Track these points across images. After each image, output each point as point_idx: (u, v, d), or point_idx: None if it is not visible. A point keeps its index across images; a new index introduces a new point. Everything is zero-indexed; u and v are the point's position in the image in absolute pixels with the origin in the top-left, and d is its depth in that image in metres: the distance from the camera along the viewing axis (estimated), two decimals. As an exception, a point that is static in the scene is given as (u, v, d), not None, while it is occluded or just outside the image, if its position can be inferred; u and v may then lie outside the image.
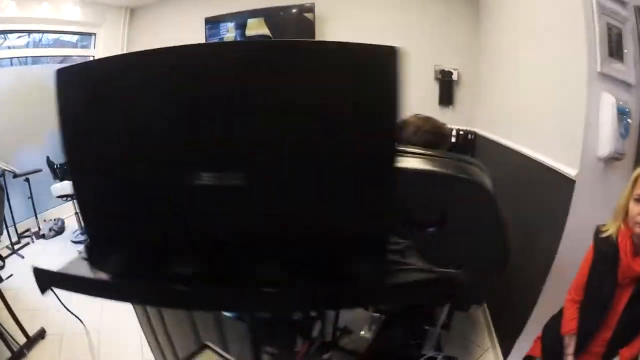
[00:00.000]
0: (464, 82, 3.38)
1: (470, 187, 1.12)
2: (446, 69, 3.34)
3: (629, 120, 1.52)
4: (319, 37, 3.54)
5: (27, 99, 3.82)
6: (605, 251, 1.31)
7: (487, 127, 3.08)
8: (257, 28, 3.69)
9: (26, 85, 3.87)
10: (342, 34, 3.52)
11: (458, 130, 3.34)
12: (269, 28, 3.68)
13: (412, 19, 3.43)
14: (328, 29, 3.59)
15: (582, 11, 1.51)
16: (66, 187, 3.28)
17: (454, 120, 3.36)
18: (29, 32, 4.04)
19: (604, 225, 1.34)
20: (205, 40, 3.93)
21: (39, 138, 3.91)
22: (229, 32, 3.85)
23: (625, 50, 1.53)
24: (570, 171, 1.59)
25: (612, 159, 1.57)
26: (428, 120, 1.49)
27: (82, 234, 3.52)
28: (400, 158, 1.09)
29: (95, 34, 4.46)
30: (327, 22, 3.60)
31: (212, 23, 3.89)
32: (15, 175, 3.49)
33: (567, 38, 1.66)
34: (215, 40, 3.86)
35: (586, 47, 1.51)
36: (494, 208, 1.15)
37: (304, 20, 3.58)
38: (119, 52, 4.40)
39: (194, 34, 4.02)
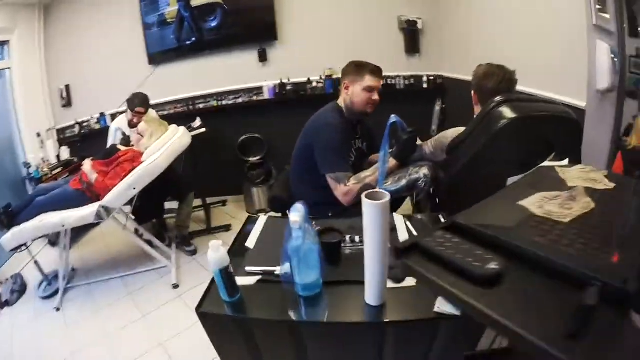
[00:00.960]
0: (428, 30, 3.69)
1: (575, 124, 1.53)
2: (411, 19, 3.60)
3: (616, 60, 2.07)
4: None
5: None
6: (632, 157, 1.88)
7: (457, 71, 3.56)
8: None
9: None
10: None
11: (428, 77, 3.74)
12: None
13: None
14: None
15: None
16: (19, 234, 2.65)
17: (421, 68, 3.75)
18: None
19: (626, 140, 1.92)
20: (142, 20, 3.62)
21: None
22: (170, 6, 3.55)
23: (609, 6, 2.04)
24: (580, 103, 2.12)
25: (607, 91, 2.13)
26: (501, 67, 1.72)
27: (47, 283, 3.07)
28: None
29: (8, 42, 3.77)
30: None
31: None
32: None
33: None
34: (155, 17, 3.58)
35: (585, 5, 2.00)
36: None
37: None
38: (36, 60, 3.98)
39: (128, 16, 3.68)
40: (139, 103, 3.14)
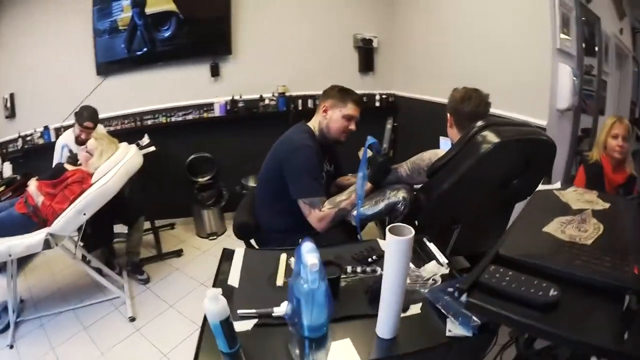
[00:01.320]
0: (382, 49, 3.76)
1: (551, 146, 1.59)
2: (367, 37, 3.66)
3: (576, 81, 2.20)
4: (235, 7, 3.43)
5: None
6: (594, 170, 2.02)
7: (409, 89, 3.67)
8: (160, 4, 3.27)
9: None
10: (260, 5, 3.50)
11: (381, 95, 3.80)
12: (175, 2, 3.29)
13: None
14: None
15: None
16: None
17: (374, 86, 3.81)
18: None
19: (587, 154, 2.06)
20: (93, 26, 3.34)
21: None
22: (124, 12, 3.30)
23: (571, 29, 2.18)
24: (541, 122, 2.22)
25: (566, 110, 2.26)
26: (477, 91, 1.76)
27: None
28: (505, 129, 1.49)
29: None
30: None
31: (102, 3, 3.27)
32: None
33: (531, 20, 2.21)
34: (107, 24, 3.34)
35: (550, 29, 2.10)
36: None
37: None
38: None
39: (79, 20, 3.37)
40: (87, 117, 2.89)
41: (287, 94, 3.62)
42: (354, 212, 1.67)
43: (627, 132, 2.00)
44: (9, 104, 3.74)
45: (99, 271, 2.76)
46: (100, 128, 3.13)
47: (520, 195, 1.73)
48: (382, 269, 1.24)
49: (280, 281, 1.23)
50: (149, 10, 3.30)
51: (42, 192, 2.49)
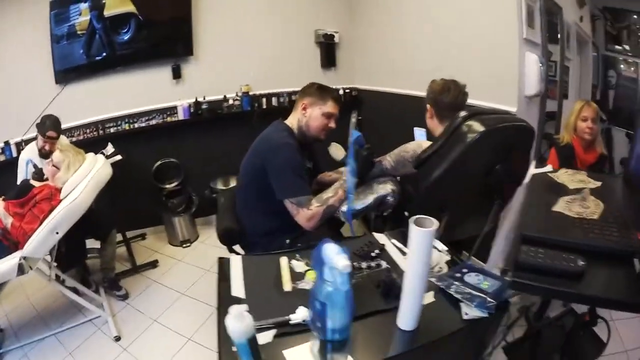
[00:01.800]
0: (343, 44, 3.79)
1: (531, 132, 1.69)
2: (328, 32, 3.66)
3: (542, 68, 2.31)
4: (196, 8, 3.36)
5: None
6: (566, 152, 2.15)
7: (372, 83, 3.75)
8: (118, 6, 3.12)
9: None
10: (221, 5, 3.44)
11: (344, 89, 3.83)
12: (134, 3, 3.15)
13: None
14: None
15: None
16: None
17: (337, 81, 3.82)
18: None
19: (558, 137, 2.18)
20: (51, 32, 3.13)
21: None
22: (82, 15, 3.12)
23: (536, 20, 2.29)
24: (511, 109, 2.33)
25: (534, 96, 2.37)
26: (455, 82, 1.81)
27: None
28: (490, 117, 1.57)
29: None
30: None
31: (59, 7, 3.07)
32: None
33: (498, 12, 2.31)
34: (65, 29, 3.15)
35: (517, 20, 2.20)
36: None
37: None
38: None
39: (35, 26, 3.16)
40: (50, 126, 2.73)
41: (251, 93, 3.58)
42: (343, 208, 1.69)
43: (595, 115, 2.15)
44: None
45: (75, 291, 2.64)
46: (64, 139, 2.99)
47: (503, 181, 1.80)
48: (386, 263, 1.30)
49: (287, 286, 1.22)
50: (107, 12, 3.15)
51: (9, 212, 2.35)
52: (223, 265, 1.37)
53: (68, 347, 2.50)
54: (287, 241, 1.72)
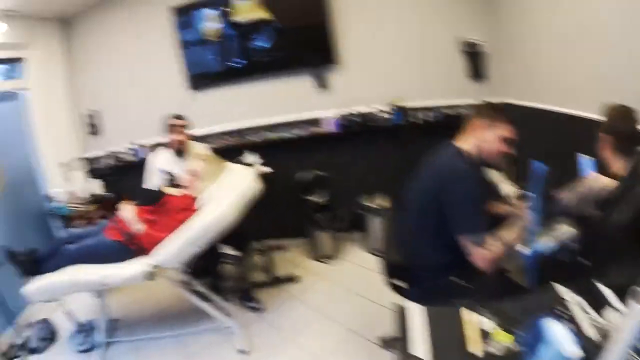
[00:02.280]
0: (491, 52, 3.37)
1: None
2: (473, 41, 3.30)
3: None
4: (336, 14, 3.27)
5: None
6: None
7: (524, 97, 3.27)
8: (251, 13, 3.16)
9: None
10: (363, 11, 3.31)
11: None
12: (271, 10, 3.15)
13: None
14: (341, 3, 3.28)
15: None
16: (48, 289, 2.33)
17: (485, 94, 3.38)
18: None
19: None
20: (178, 38, 3.33)
21: None
22: (211, 22, 3.24)
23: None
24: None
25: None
26: (632, 109, 1.56)
27: (84, 335, 2.79)
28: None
29: (22, 59, 3.49)
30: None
31: (184, 14, 3.23)
32: None
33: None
34: (195, 34, 3.30)
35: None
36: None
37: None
38: (57, 81, 3.75)
39: (163, 32, 3.39)
40: (172, 116, 2.79)
41: (401, 105, 3.35)
42: (521, 250, 1.51)
43: None
44: (92, 121, 3.90)
45: (203, 297, 2.68)
46: (203, 148, 3.04)
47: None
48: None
49: (476, 348, 1.07)
50: (239, 19, 3.23)
51: (140, 218, 2.43)
52: (401, 315, 1.26)
53: (185, 351, 2.54)
54: (456, 279, 1.62)
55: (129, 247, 2.36)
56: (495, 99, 3.34)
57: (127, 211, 2.48)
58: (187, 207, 2.42)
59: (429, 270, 1.72)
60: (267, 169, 3.00)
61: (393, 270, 1.80)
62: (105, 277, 2.26)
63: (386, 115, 3.34)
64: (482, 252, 1.53)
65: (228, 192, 2.38)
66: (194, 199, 2.47)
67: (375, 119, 3.36)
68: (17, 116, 3.55)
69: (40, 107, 3.61)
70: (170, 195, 2.50)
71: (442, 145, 1.77)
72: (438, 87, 3.33)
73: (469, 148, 1.70)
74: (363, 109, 3.39)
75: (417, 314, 1.25)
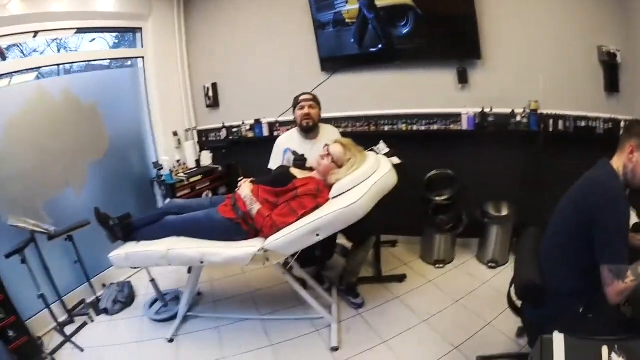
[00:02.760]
0: (628, 64, 2.97)
1: None
2: (612, 50, 2.92)
3: None
4: (481, 5, 2.98)
5: (57, 125, 2.90)
6: None
7: None
8: None
9: (53, 105, 2.88)
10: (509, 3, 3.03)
11: (625, 121, 3.03)
12: None
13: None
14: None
15: None
16: (139, 259, 2.28)
17: (618, 110, 3.09)
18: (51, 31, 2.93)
19: None
20: (313, 18, 3.20)
21: (78, 178, 3.05)
22: (349, 4, 3.10)
23: None
24: None
25: None
26: None
27: (163, 304, 2.74)
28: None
29: (141, 29, 3.56)
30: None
31: None
32: (52, 236, 2.52)
33: None
34: (331, 15, 3.18)
35: None
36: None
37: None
38: (175, 52, 3.81)
39: (296, 9, 3.30)
40: (301, 94, 2.68)
41: (539, 111, 3.08)
42: None
43: None
44: (210, 93, 3.89)
45: (303, 283, 2.54)
46: (333, 130, 2.90)
47: None
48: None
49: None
50: (379, 2, 3.04)
51: (258, 198, 2.28)
52: (544, 347, 1.23)
53: (272, 338, 2.43)
54: (581, 309, 1.55)
55: (241, 227, 2.22)
56: (626, 116, 3.02)
57: (246, 189, 2.35)
58: (317, 194, 2.23)
59: (558, 294, 1.63)
60: (397, 160, 2.74)
61: (532, 295, 1.69)
62: (205, 256, 2.15)
63: (522, 119, 3.07)
64: (618, 286, 1.44)
65: (367, 183, 2.16)
66: (327, 186, 2.28)
67: (511, 121, 3.10)
68: (133, 84, 3.61)
69: (156, 76, 3.65)
70: (301, 179, 2.33)
71: (598, 164, 1.66)
72: (573, 96, 3.03)
73: (619, 167, 1.61)
74: (500, 109, 3.14)
75: (555, 346, 1.21)
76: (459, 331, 2.38)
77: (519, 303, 1.87)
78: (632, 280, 1.43)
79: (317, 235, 2.06)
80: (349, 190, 2.16)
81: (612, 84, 3.06)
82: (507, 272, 3.00)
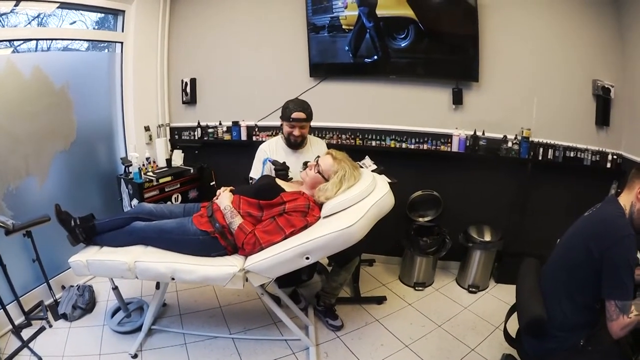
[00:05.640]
0: (619, 99, 3.11)
1: None
2: (606, 85, 3.04)
3: None
4: (483, 28, 3.02)
5: (24, 107, 2.68)
6: None
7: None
8: (394, 7, 2.92)
9: (21, 82, 2.67)
10: (512, 28, 3.08)
11: (612, 155, 3.18)
12: (418, 9, 2.90)
13: (574, 25, 3.06)
14: (492, 20, 3.03)
15: None
16: (100, 268, 2.10)
17: (607, 144, 3.19)
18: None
19: None
20: (307, 20, 3.12)
21: (41, 167, 2.83)
22: (348, 9, 3.02)
23: None
24: None
25: None
26: None
27: (126, 314, 2.59)
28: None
29: (124, 12, 3.36)
30: (488, 8, 3.00)
31: None
32: (10, 231, 2.28)
33: None
34: (327, 20, 3.11)
35: None
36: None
37: (462, 4, 2.90)
38: (156, 42, 3.62)
39: (288, 9, 3.24)
40: (295, 108, 2.46)
41: (531, 139, 3.14)
42: None
43: None
44: (188, 89, 3.72)
45: (277, 300, 2.42)
46: (320, 142, 2.77)
47: None
48: None
49: None
50: (380, 12, 2.98)
51: (240, 210, 2.10)
52: None
53: (244, 357, 2.31)
54: (582, 342, 1.61)
55: (218, 242, 2.05)
56: (612, 150, 3.14)
57: (225, 199, 2.15)
58: (309, 212, 2.07)
59: (561, 327, 1.67)
60: (391, 180, 2.63)
61: (538, 330, 1.72)
62: (175, 272, 1.98)
63: (514, 146, 3.12)
64: (622, 321, 1.50)
65: (364, 204, 2.03)
66: (318, 204, 2.14)
67: (502, 147, 3.14)
68: (108, 69, 3.38)
69: (133, 64, 3.43)
70: (290, 193, 2.15)
71: (606, 199, 1.75)
72: (565, 127, 3.15)
73: (626, 205, 1.66)
74: (492, 134, 3.18)
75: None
76: (442, 358, 2.36)
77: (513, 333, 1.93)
78: (636, 315, 1.48)
79: (307, 258, 1.91)
80: (343, 210, 2.01)
81: (603, 118, 3.16)
82: (487, 297, 3.04)
